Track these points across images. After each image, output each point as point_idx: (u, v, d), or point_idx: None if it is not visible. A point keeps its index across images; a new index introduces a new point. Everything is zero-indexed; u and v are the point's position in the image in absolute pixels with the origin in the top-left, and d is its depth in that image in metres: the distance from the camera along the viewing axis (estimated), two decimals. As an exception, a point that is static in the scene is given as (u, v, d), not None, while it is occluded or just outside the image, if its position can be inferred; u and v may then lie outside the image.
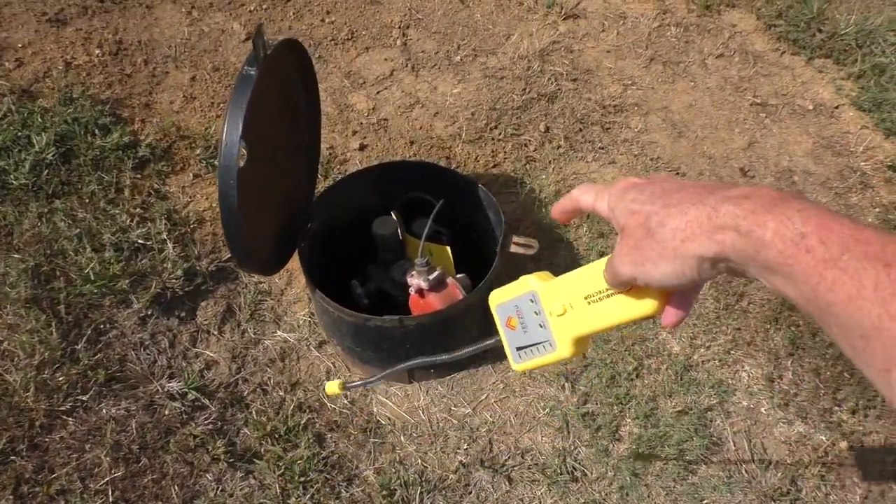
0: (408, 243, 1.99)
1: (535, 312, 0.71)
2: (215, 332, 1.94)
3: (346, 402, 1.89)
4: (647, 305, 0.60)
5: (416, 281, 1.77)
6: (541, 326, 0.71)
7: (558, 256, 2.20)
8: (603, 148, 2.43)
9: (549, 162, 2.39)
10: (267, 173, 1.65)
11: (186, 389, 1.79)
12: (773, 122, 2.50)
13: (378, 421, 1.87)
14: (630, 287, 0.60)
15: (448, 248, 1.91)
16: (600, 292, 0.64)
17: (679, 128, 2.49)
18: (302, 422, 1.82)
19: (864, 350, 0.39)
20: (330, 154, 2.36)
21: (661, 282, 0.53)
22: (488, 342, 0.81)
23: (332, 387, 1.03)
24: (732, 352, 2.00)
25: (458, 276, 1.89)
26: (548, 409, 1.89)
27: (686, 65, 2.66)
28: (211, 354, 1.90)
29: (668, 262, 0.51)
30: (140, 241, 1.97)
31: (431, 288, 1.78)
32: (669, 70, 2.64)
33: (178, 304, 1.94)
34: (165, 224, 2.03)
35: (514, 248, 1.81)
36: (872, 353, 0.39)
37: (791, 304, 2.10)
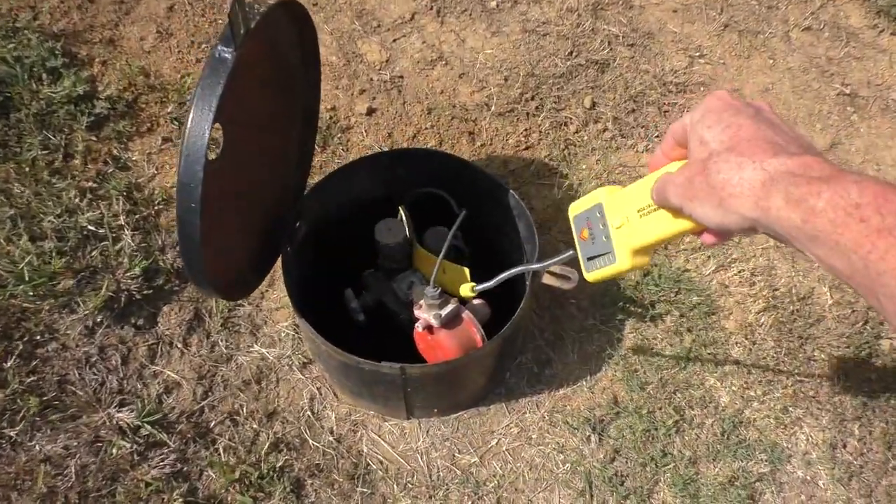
0: (416, 252, 1.63)
1: (602, 225, 0.73)
2: (179, 345, 1.61)
3: (331, 438, 1.59)
4: (687, 225, 0.61)
5: (424, 315, 1.43)
6: (605, 238, 0.73)
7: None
8: (658, 136, 2.03)
9: (593, 149, 2.00)
10: (246, 164, 1.29)
11: (139, 423, 1.48)
12: (861, 119, 2.09)
13: (368, 465, 1.58)
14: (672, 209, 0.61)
15: (467, 270, 1.56)
16: (649, 206, 0.66)
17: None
18: (278, 464, 1.53)
19: None
20: (331, 118, 1.96)
21: (704, 221, 0.55)
22: (569, 253, 0.87)
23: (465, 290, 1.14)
24: (791, 409, 1.69)
25: (476, 301, 1.54)
26: (569, 465, 1.59)
27: (766, 36, 2.22)
28: (172, 375, 1.58)
29: (712, 208, 0.52)
30: (91, 226, 1.61)
31: (443, 325, 1.44)
32: (745, 41, 2.20)
33: (134, 309, 1.61)
34: (124, 204, 1.66)
35: (548, 280, 1.46)
36: None
37: (866, 354, 1.82)
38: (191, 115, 1.05)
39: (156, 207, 1.71)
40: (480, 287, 1.19)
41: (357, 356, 1.89)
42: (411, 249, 1.65)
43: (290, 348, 1.67)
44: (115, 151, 1.74)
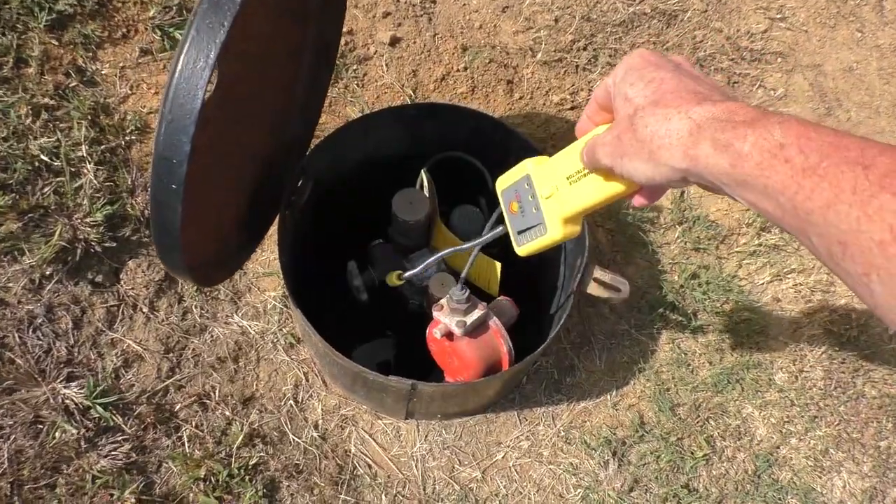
0: (438, 229, 1.37)
1: (531, 196, 0.72)
2: (145, 310, 1.35)
3: (315, 434, 1.37)
4: (618, 188, 0.61)
5: (445, 319, 1.18)
6: (535, 209, 0.72)
7: (636, 266, 1.61)
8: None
9: (648, 118, 1.71)
10: (242, 110, 1.02)
11: (90, 403, 1.24)
12: (954, 119, 1.83)
13: (355, 468, 1.37)
14: (603, 171, 0.61)
15: (499, 266, 1.31)
16: (579, 172, 0.65)
17: (829, 101, 1.80)
18: (251, 461, 1.31)
19: (842, 257, 0.39)
20: (346, 46, 1.63)
21: (635, 178, 0.54)
22: (497, 230, 0.88)
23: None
24: (833, 451, 1.50)
25: (501, 299, 1.30)
26: (581, 491, 1.40)
27: (856, 3, 1.90)
28: (134, 345, 1.33)
29: (643, 162, 0.52)
30: (44, 156, 1.31)
31: (468, 333, 1.20)
32: (833, 7, 1.88)
33: (93, 263, 1.33)
34: (87, 131, 1.35)
35: (593, 290, 1.22)
36: (852, 259, 0.38)
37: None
38: (180, 61, 0.77)
39: (127, 137, 1.40)
40: (407, 274, 1.18)
41: (356, 341, 1.67)
42: (432, 225, 1.38)
43: (277, 323, 1.42)
44: (79, 61, 1.41)
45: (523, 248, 0.77)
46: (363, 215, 1.42)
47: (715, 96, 0.50)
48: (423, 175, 1.35)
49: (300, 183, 1.27)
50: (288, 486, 1.32)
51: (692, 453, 1.46)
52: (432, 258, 1.14)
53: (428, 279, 1.34)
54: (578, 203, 0.66)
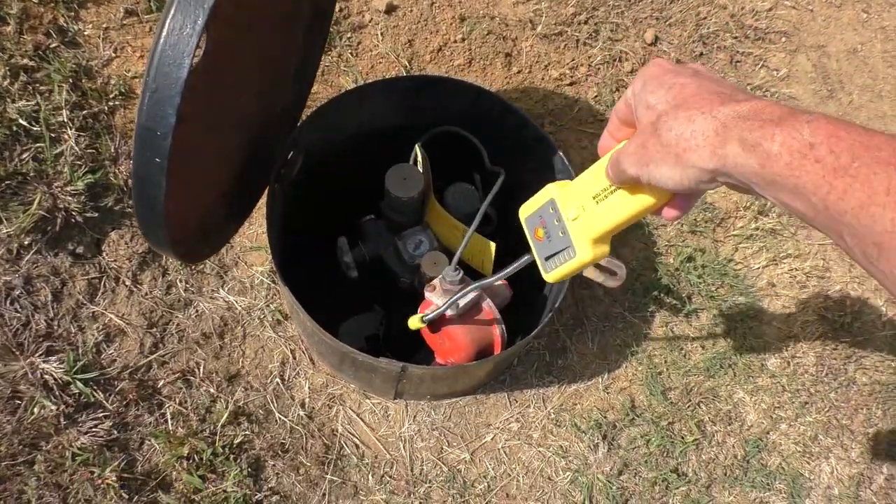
0: (431, 207, 1.33)
1: (556, 220, 0.71)
2: (127, 283, 1.31)
3: (301, 413, 1.35)
4: (648, 200, 0.59)
5: (437, 300, 1.15)
6: (562, 233, 0.70)
7: (631, 248, 1.58)
8: (725, 92, 1.71)
9: (648, 96, 1.67)
10: (231, 78, 0.97)
11: (70, 378, 1.20)
12: (956, 105, 1.80)
13: (342, 448, 1.35)
14: (630, 184, 0.59)
15: (493, 247, 1.28)
16: (605, 189, 0.64)
17: (832, 83, 1.77)
18: (236, 439, 1.28)
19: (878, 258, 0.38)
20: (341, 13, 1.57)
21: (663, 184, 0.53)
22: (525, 257, 0.86)
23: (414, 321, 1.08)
24: (822, 437, 1.50)
25: (495, 280, 1.27)
26: (570, 473, 1.39)
27: (864, -18, 1.86)
28: (116, 319, 1.29)
29: (670, 167, 0.51)
30: (22, 121, 1.25)
31: (460, 315, 1.17)
32: (841, -14, 1.84)
33: (74, 233, 1.28)
34: (68, 95, 1.29)
35: (589, 273, 1.19)
36: (887, 260, 0.38)
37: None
38: (165, 27, 0.72)
39: (110, 102, 1.35)
40: (430, 316, 1.09)
41: (344, 315, 1.64)
42: (425, 202, 1.34)
43: (264, 299, 1.39)
44: (61, 21, 1.34)
45: (552, 273, 0.74)
46: (355, 189, 1.38)
47: (739, 96, 0.49)
48: (418, 150, 1.31)
49: (291, 155, 1.23)
50: (273, 465, 1.30)
51: (682, 438, 1.45)
52: (470, 288, 1.07)
53: (420, 258, 1.31)
54: (607, 221, 0.65)
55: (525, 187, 1.42)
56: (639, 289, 1.53)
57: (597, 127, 1.63)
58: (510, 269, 0.92)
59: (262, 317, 1.38)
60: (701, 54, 1.71)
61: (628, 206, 0.62)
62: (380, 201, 1.34)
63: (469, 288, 1.06)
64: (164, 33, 0.71)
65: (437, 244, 1.34)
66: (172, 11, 0.71)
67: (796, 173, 0.42)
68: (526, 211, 0.78)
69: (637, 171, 0.55)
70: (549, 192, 0.73)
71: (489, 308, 1.18)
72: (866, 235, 0.39)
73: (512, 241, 1.35)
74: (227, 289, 1.37)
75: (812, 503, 1.46)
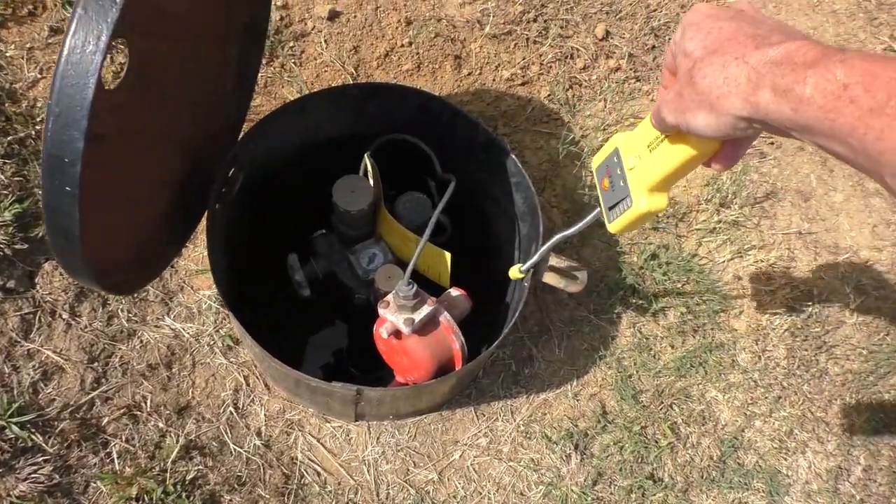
0: (383, 218, 1.28)
1: (619, 170, 0.71)
2: (65, 316, 1.23)
3: (258, 442, 1.28)
4: (694, 149, 0.59)
5: (391, 318, 1.10)
6: (622, 183, 0.70)
7: (593, 248, 1.54)
8: (680, 85, 1.67)
9: (601, 91, 1.63)
10: (160, 94, 0.91)
11: (4, 422, 1.12)
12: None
13: (303, 476, 1.28)
14: (676, 132, 0.59)
15: (449, 257, 1.22)
16: (657, 138, 0.64)
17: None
18: (189, 475, 1.21)
19: None
20: (282, 21, 1.51)
21: (700, 132, 0.53)
22: (596, 211, 0.82)
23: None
24: (797, 431, 1.47)
25: (453, 291, 1.22)
26: (543, 487, 1.34)
27: (813, -33, 1.85)
28: (53, 355, 1.21)
29: (705, 114, 0.51)
30: (-61, 151, 1.17)
31: (416, 330, 1.11)
32: (790, -28, 1.82)
33: (3, 266, 1.20)
34: (-10, 120, 1.22)
35: (549, 279, 1.15)
36: None
37: (885, 370, 1.59)
38: (66, 45, 0.67)
39: (37, 126, 1.27)
40: (527, 265, 1.06)
41: (306, 331, 1.58)
42: (377, 213, 1.29)
43: (213, 324, 1.32)
44: (-22, 42, 1.27)
45: (614, 223, 0.73)
46: (305, 203, 1.32)
47: (774, 38, 0.47)
48: (367, 160, 1.26)
49: (231, 173, 1.17)
50: (230, 500, 1.23)
51: (656, 442, 1.40)
52: (545, 247, 1.05)
53: (374, 272, 1.25)
54: (658, 170, 0.64)
55: (479, 192, 1.37)
56: (603, 290, 1.49)
57: (552, 126, 1.59)
58: (586, 222, 0.88)
59: (211, 343, 1.31)
60: (653, 46, 1.67)
61: (676, 154, 0.61)
62: (331, 215, 1.29)
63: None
64: (65, 52, 0.66)
65: (392, 257, 1.29)
66: (73, 28, 0.65)
67: (831, 116, 0.41)
68: (596, 161, 0.77)
69: (675, 120, 0.55)
70: (616, 141, 0.72)
71: (447, 322, 1.13)
72: None
73: (468, 249, 1.31)
74: (172, 316, 1.30)
75: (791, 500, 1.43)
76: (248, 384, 1.31)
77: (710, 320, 1.50)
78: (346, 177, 1.23)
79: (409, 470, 1.32)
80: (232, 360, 1.31)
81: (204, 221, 1.11)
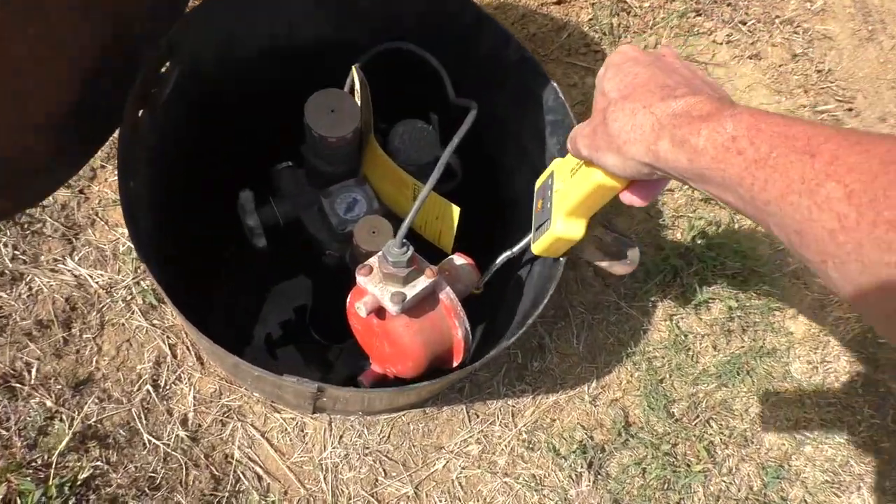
0: (370, 151, 0.95)
1: (549, 192, 0.71)
2: (-81, 246, 0.89)
3: (182, 433, 0.97)
4: (606, 181, 0.58)
5: (375, 290, 0.78)
6: (549, 205, 0.71)
7: (630, 218, 1.23)
8: (745, 24, 1.35)
9: (654, 22, 1.31)
10: None
11: None
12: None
13: (238, 479, 0.98)
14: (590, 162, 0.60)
15: (457, 212, 0.91)
16: (578, 164, 0.64)
17: (872, 23, 1.43)
18: (81, 474, 0.90)
19: (801, 245, 0.39)
20: None
21: (609, 170, 0.55)
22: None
23: None
24: (854, 462, 1.20)
25: (457, 259, 0.90)
26: (544, 512, 1.06)
27: None
28: None
29: (613, 156, 0.53)
30: None
31: (407, 310, 0.80)
32: None
33: None
34: None
35: (590, 255, 0.84)
36: (808, 248, 0.39)
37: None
38: None
39: None
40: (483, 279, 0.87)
41: (265, 284, 1.28)
42: (363, 145, 0.96)
43: (132, 273, 0.99)
44: None
45: (536, 244, 0.73)
46: (267, 125, 1.00)
47: (679, 90, 0.49)
48: (354, 73, 0.92)
49: (165, 68, 0.83)
50: (137, 508, 0.92)
51: (688, 465, 1.13)
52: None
53: (353, 223, 0.94)
54: (575, 196, 0.64)
55: (497, 134, 1.05)
56: (638, 271, 1.19)
57: (590, 59, 1.26)
58: (528, 239, 0.78)
59: (128, 298, 0.98)
60: (723, -25, 1.35)
61: (590, 182, 0.60)
62: (300, 144, 0.96)
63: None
64: None
65: (378, 206, 0.97)
66: None
67: (721, 166, 0.43)
68: (538, 183, 0.75)
69: (588, 154, 0.57)
70: (554, 164, 0.72)
71: (449, 301, 0.82)
72: (788, 224, 0.39)
73: (480, 206, 0.99)
74: (77, 258, 0.97)
75: (840, 546, 1.17)
76: (174, 355, 0.99)
77: (762, 319, 1.22)
78: (324, 90, 0.89)
79: (377, 480, 1.03)
80: (155, 321, 0.99)
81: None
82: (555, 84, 0.89)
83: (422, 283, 0.78)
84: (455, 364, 0.86)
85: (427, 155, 0.94)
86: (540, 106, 0.94)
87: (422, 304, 0.81)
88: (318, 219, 0.98)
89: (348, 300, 0.84)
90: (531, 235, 0.75)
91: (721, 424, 1.16)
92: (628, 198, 0.59)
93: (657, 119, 0.48)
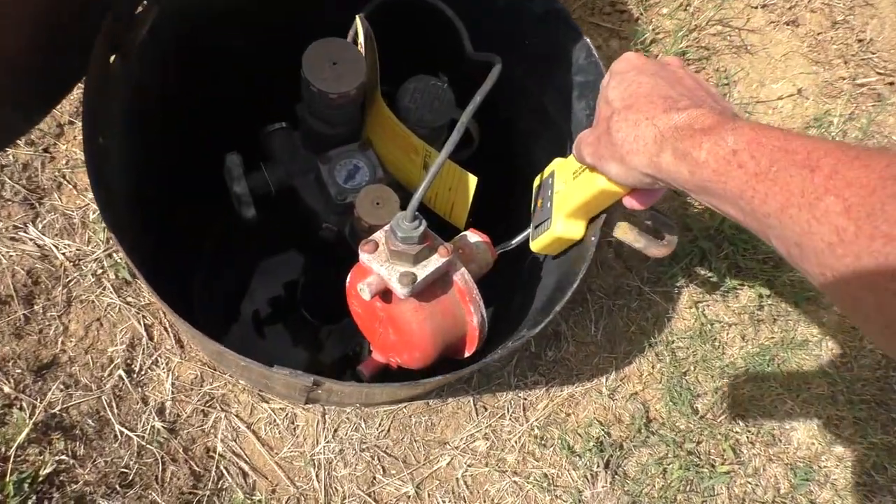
0: (376, 110, 0.84)
1: (550, 191, 0.71)
2: None
3: (159, 424, 0.87)
4: (609, 186, 0.59)
5: (382, 270, 0.68)
6: (549, 204, 0.71)
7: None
8: (789, -12, 1.24)
9: (687, -16, 1.19)
10: None
11: None
12: None
13: (221, 476, 0.88)
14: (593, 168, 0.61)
15: (473, 182, 0.80)
16: (581, 167, 0.65)
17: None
18: (44, 469, 0.80)
19: (800, 258, 0.39)
20: None
21: (613, 178, 0.56)
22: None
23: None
24: (888, 464, 1.12)
25: (471, 236, 0.79)
26: (556, 515, 0.97)
27: None
28: None
29: (616, 165, 0.54)
30: None
31: (416, 293, 0.70)
32: None
33: None
34: None
35: (624, 237, 0.74)
36: (807, 260, 0.39)
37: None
38: None
39: None
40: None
41: (254, 255, 1.18)
42: (367, 105, 0.85)
43: (103, 243, 0.88)
44: None
45: (535, 242, 0.73)
46: (259, 80, 0.88)
47: (682, 102, 0.50)
48: (359, 23, 0.81)
49: (141, 7, 0.72)
50: (106, 506, 0.82)
51: (712, 465, 1.04)
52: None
53: (354, 193, 0.83)
54: (577, 198, 0.65)
55: (517, 96, 0.94)
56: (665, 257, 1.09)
57: (616, 20, 1.15)
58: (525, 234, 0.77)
59: (99, 272, 0.87)
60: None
61: (593, 187, 0.61)
62: (296, 102, 0.85)
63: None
64: None
65: (383, 174, 0.86)
66: None
67: (723, 179, 0.43)
68: (537, 181, 0.75)
69: (592, 162, 0.57)
70: (555, 163, 0.72)
71: (464, 283, 0.71)
72: (788, 236, 0.39)
73: (495, 176, 0.89)
74: (41, 226, 0.86)
75: (870, 553, 1.09)
76: (150, 337, 0.89)
77: (794, 308, 1.12)
78: (325, 40, 0.78)
79: (375, 478, 0.93)
80: (129, 299, 0.88)
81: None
82: (587, 40, 0.78)
83: (434, 262, 0.68)
84: (467, 354, 0.77)
85: (442, 116, 0.83)
86: (568, 65, 0.83)
87: (433, 287, 0.71)
88: (314, 187, 0.87)
89: (348, 280, 0.74)
90: (530, 232, 0.75)
91: (749, 422, 1.07)
92: (629, 202, 0.60)
93: (660, 131, 0.49)
